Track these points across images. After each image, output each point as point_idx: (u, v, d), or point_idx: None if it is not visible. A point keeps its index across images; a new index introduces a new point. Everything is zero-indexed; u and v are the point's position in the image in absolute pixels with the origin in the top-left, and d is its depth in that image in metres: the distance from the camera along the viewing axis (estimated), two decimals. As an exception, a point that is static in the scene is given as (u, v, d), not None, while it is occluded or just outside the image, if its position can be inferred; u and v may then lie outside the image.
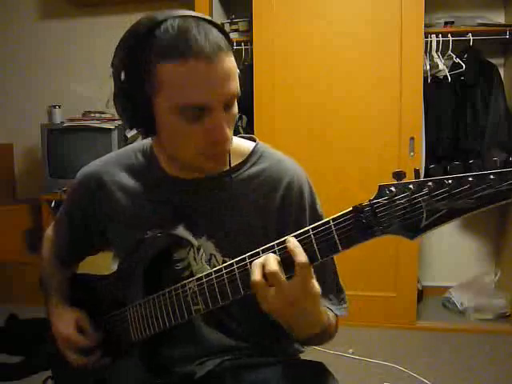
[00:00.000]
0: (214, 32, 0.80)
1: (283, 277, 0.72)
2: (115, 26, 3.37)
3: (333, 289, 0.98)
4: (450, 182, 0.62)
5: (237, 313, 0.98)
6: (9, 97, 3.55)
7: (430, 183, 0.63)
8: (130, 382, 0.97)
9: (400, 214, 0.66)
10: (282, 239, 0.76)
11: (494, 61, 2.78)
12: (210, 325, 0.98)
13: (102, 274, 1.09)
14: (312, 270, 0.74)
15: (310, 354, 1.07)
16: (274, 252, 0.76)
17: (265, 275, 0.73)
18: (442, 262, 3.10)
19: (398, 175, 0.67)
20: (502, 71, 2.80)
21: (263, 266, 0.74)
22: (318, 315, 0.82)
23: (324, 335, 0.89)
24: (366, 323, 2.60)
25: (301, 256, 0.72)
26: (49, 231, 1.20)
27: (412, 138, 2.55)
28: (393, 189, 0.66)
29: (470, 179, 0.61)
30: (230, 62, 0.81)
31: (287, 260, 0.74)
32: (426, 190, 0.64)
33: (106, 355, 1.03)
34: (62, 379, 1.16)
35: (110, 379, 1.01)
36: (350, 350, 2.38)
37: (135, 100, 0.81)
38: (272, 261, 0.73)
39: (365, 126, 2.63)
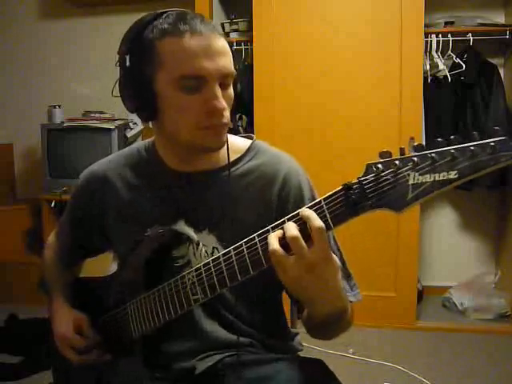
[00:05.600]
0: (209, 22, 0.89)
1: (304, 242, 0.72)
2: (115, 26, 3.37)
3: (343, 276, 0.96)
4: (432, 155, 0.66)
5: (237, 308, 0.98)
6: (9, 97, 3.55)
7: (414, 158, 0.68)
8: (131, 379, 0.97)
9: (387, 189, 0.69)
10: (292, 214, 0.76)
11: (494, 61, 2.78)
12: (210, 320, 0.99)
13: (102, 276, 1.09)
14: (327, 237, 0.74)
15: (309, 353, 1.07)
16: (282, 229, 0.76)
17: (283, 246, 0.74)
18: (442, 262, 3.10)
19: (384, 154, 0.71)
20: (501, 71, 2.80)
21: (281, 236, 0.74)
22: (338, 288, 0.80)
23: (341, 319, 0.87)
24: (366, 323, 2.60)
25: (317, 220, 0.72)
26: (52, 235, 1.21)
27: (412, 138, 2.54)
28: (379, 166, 0.71)
29: (452, 151, 0.65)
30: (224, 43, 0.89)
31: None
32: (410, 165, 0.68)
33: (104, 354, 1.03)
34: (63, 379, 1.16)
35: (111, 376, 1.01)
36: (350, 350, 2.38)
37: (138, 82, 0.88)
38: (292, 228, 0.73)
39: (365, 126, 2.63)
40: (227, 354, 0.99)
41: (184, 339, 0.99)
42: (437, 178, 0.66)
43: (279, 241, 0.74)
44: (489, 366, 2.26)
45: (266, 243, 0.77)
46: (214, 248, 0.96)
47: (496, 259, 3.05)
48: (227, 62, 0.88)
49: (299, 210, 0.75)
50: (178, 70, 0.85)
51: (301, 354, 1.09)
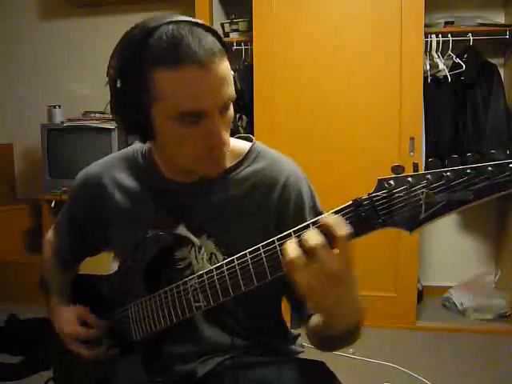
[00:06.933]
0: (208, 37, 0.80)
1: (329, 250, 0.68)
2: (115, 26, 3.37)
3: None
4: (448, 174, 0.62)
5: (238, 311, 0.98)
6: (9, 97, 3.55)
7: (428, 176, 0.64)
8: (131, 381, 0.97)
9: (399, 207, 0.66)
10: (306, 223, 0.72)
11: (494, 61, 2.78)
12: (211, 323, 0.98)
13: (103, 275, 1.09)
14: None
15: (309, 353, 1.07)
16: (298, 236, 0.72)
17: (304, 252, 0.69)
18: (441, 262, 3.10)
19: (397, 169, 0.67)
20: (502, 71, 2.80)
21: (303, 243, 0.69)
22: (357, 300, 0.78)
23: (356, 332, 0.85)
24: (365, 323, 2.59)
25: (343, 228, 0.68)
26: (49, 234, 1.21)
27: (412, 138, 2.55)
28: (392, 182, 0.66)
29: (468, 171, 0.61)
30: (225, 67, 0.82)
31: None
32: (424, 183, 0.64)
33: (113, 347, 1.03)
34: (64, 379, 1.16)
35: (112, 378, 1.01)
36: (350, 350, 2.38)
37: (131, 108, 0.83)
38: (315, 234, 0.69)
39: (365, 126, 2.63)
40: (227, 356, 0.99)
41: (184, 342, 0.99)
42: (451, 199, 0.62)
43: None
44: (489, 366, 2.26)
45: (270, 254, 0.75)
46: (212, 254, 0.95)
47: (496, 259, 3.05)
48: (228, 90, 0.82)
49: (321, 216, 0.71)
50: (176, 107, 0.80)
51: (301, 354, 1.09)
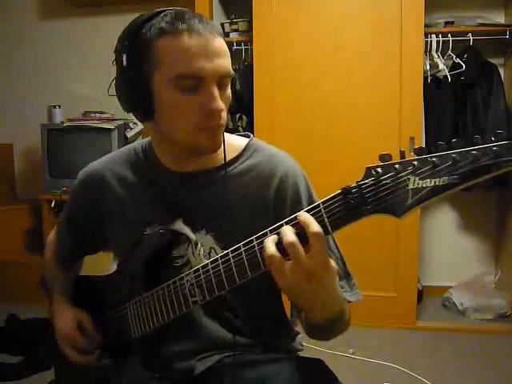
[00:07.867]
0: (208, 22, 0.88)
1: (301, 248, 0.72)
2: (115, 26, 3.37)
3: (342, 275, 0.97)
4: (433, 159, 0.65)
5: (238, 308, 0.99)
6: (9, 97, 3.55)
7: (414, 162, 0.66)
8: (131, 378, 0.98)
9: (386, 193, 0.68)
10: (290, 218, 0.75)
11: (494, 61, 2.78)
12: (211, 320, 0.99)
13: (102, 275, 1.09)
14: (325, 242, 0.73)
15: (309, 353, 1.07)
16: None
17: (280, 250, 0.73)
18: (441, 262, 3.10)
19: (384, 157, 0.70)
20: (502, 71, 2.80)
21: (279, 240, 0.73)
22: (336, 294, 0.80)
23: (340, 321, 0.87)
24: (366, 323, 2.59)
25: (315, 226, 0.71)
26: (51, 236, 1.21)
27: (412, 138, 2.55)
28: (379, 169, 0.69)
29: (453, 156, 0.63)
30: (223, 43, 0.88)
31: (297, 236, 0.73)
32: (410, 169, 0.66)
33: (106, 355, 1.03)
34: (65, 379, 1.16)
35: (112, 377, 1.01)
36: (350, 350, 2.39)
37: (135, 81, 0.87)
38: (289, 232, 0.72)
39: (365, 126, 2.63)
40: (226, 354, 0.99)
41: (184, 339, 0.99)
42: (437, 183, 0.64)
43: (276, 244, 0.73)
44: (489, 366, 2.26)
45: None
46: (211, 248, 0.96)
47: (496, 259, 3.05)
48: (225, 63, 0.87)
49: (297, 214, 0.74)
50: (175, 69, 0.84)
51: (301, 353, 1.09)
